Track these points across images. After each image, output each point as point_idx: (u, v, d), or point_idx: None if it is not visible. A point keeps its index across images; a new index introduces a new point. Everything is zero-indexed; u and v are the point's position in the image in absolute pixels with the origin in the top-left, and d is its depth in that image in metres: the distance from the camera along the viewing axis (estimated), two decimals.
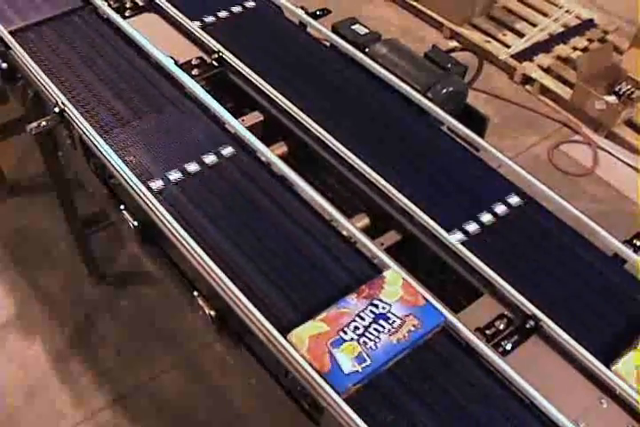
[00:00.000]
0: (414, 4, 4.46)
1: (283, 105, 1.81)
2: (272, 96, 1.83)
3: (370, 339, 1.35)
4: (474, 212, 1.64)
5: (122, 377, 2.73)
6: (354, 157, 1.69)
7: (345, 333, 1.35)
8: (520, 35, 4.24)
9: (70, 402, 2.66)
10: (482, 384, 1.36)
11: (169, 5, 2.15)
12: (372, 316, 1.38)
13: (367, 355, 1.33)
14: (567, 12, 4.39)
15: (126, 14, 2.19)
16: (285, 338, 1.34)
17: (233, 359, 1.64)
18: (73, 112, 1.80)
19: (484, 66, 3.91)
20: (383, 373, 1.34)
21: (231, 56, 1.95)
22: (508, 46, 4.14)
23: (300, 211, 1.62)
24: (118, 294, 2.99)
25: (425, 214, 1.59)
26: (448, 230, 1.57)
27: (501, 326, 1.45)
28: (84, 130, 1.75)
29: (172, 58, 1.94)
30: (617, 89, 3.67)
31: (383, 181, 1.65)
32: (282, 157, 1.71)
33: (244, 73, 1.90)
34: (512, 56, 4.05)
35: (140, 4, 2.23)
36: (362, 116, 1.84)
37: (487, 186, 1.71)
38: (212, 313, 1.48)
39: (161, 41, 2.03)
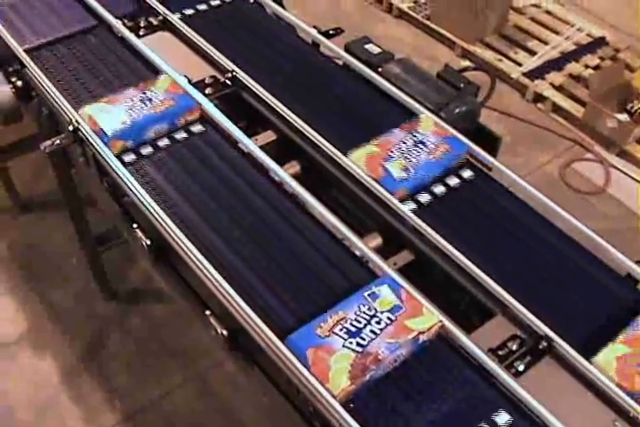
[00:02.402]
0: (426, 22, 4.47)
1: (296, 124, 1.81)
2: (285, 115, 1.84)
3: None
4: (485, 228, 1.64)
5: (132, 394, 2.73)
6: (365, 175, 1.69)
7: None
8: (532, 53, 4.25)
9: (81, 418, 2.66)
10: (494, 405, 1.35)
11: (183, 24, 2.16)
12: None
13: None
14: (579, 30, 4.40)
15: (140, 33, 2.21)
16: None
17: (244, 378, 1.63)
18: (86, 131, 1.81)
19: (496, 84, 3.92)
20: (394, 393, 1.34)
21: (244, 75, 1.95)
22: (520, 64, 4.14)
23: (312, 230, 1.62)
24: (130, 311, 3.00)
25: (436, 233, 1.59)
26: (458, 248, 1.57)
27: (514, 347, 1.45)
28: (98, 148, 1.76)
29: (185, 76, 1.95)
30: (629, 107, 3.67)
31: (394, 200, 1.64)
32: (295, 176, 1.71)
33: (257, 92, 1.91)
34: (524, 74, 4.05)
35: (155, 22, 2.24)
36: (374, 136, 1.84)
37: (499, 207, 1.71)
38: (225, 332, 1.48)
39: (175, 59, 2.04)
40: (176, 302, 1.80)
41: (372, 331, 1.36)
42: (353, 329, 1.36)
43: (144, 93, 1.86)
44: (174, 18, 2.19)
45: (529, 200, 1.72)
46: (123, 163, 1.73)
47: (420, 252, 1.61)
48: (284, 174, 1.68)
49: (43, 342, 2.94)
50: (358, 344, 1.34)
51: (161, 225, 1.56)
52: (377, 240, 1.66)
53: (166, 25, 2.22)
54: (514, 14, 4.50)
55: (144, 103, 1.83)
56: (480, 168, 1.80)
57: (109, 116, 1.80)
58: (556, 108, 3.93)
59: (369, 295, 1.43)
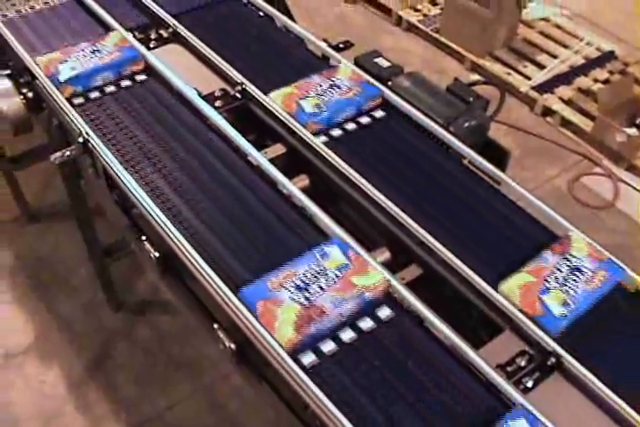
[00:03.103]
0: (435, 35, 4.49)
1: (304, 138, 1.82)
2: (294, 128, 1.84)
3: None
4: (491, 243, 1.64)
5: (138, 405, 2.73)
6: (374, 190, 1.69)
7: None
8: (541, 67, 4.26)
9: None
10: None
11: (193, 37, 2.17)
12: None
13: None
14: (588, 44, 4.41)
15: (150, 45, 2.21)
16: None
17: (251, 390, 1.63)
18: (96, 142, 1.81)
19: (505, 98, 3.92)
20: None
21: (254, 88, 1.96)
22: (529, 78, 4.15)
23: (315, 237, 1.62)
24: (137, 322, 3.00)
25: (446, 249, 1.58)
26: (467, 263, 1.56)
27: (522, 363, 1.44)
28: (108, 161, 1.76)
29: (195, 89, 1.96)
30: (638, 121, 3.68)
31: (403, 215, 1.64)
32: (304, 189, 1.72)
33: (266, 105, 1.91)
34: (533, 88, 4.07)
35: (165, 35, 2.25)
36: (383, 150, 1.84)
37: (510, 222, 1.70)
38: (233, 346, 1.47)
39: (185, 72, 2.05)
40: (183, 314, 1.80)
41: (319, 286, 1.46)
42: (301, 284, 1.46)
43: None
44: (184, 30, 2.20)
45: (537, 214, 1.72)
46: (137, 179, 1.74)
47: (429, 266, 1.61)
48: (293, 188, 1.68)
49: (50, 353, 2.95)
50: (305, 298, 1.43)
51: (170, 238, 1.57)
52: (385, 255, 1.66)
53: (177, 37, 2.22)
54: (523, 28, 4.52)
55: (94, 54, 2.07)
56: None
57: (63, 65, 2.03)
58: (565, 122, 3.94)
59: (320, 255, 1.51)
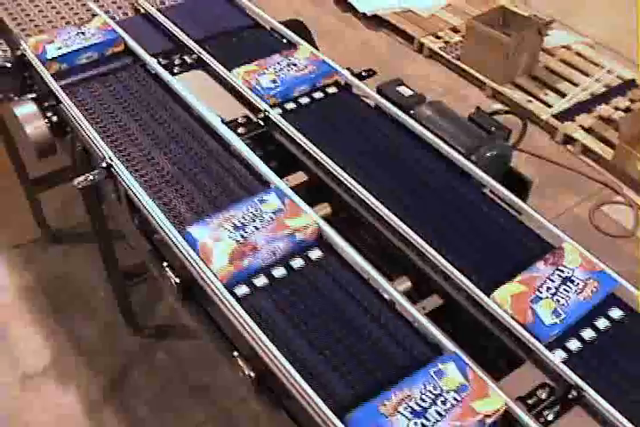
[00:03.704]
0: (457, 62, 4.50)
1: (327, 166, 1.82)
2: (317, 157, 1.84)
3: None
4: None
5: None
6: (396, 219, 1.69)
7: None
8: (562, 94, 4.26)
9: None
10: None
11: (216, 63, 2.18)
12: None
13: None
14: (609, 72, 4.41)
15: (175, 71, 2.22)
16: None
17: (268, 417, 1.62)
18: (120, 168, 1.83)
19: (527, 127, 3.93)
20: None
21: (277, 115, 1.97)
22: (550, 106, 4.15)
23: (340, 272, 1.62)
24: (154, 346, 3.00)
25: (466, 278, 1.58)
26: (489, 295, 1.56)
27: (543, 396, 1.42)
28: (130, 186, 1.77)
29: (218, 116, 1.97)
30: None
31: (425, 244, 1.64)
32: (325, 218, 1.72)
33: (288, 132, 1.92)
34: (554, 116, 4.06)
35: (189, 61, 2.26)
36: (405, 179, 1.84)
37: (529, 249, 1.70)
38: (252, 374, 1.47)
39: (208, 98, 2.06)
40: (202, 339, 1.80)
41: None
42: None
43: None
44: (208, 56, 2.21)
45: (556, 244, 1.71)
46: (157, 201, 1.75)
47: (449, 296, 1.61)
48: (315, 216, 1.68)
49: (67, 375, 2.95)
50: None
51: (190, 264, 1.57)
52: (406, 284, 1.66)
53: (200, 63, 2.24)
54: (544, 55, 4.52)
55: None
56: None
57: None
58: (586, 151, 3.93)
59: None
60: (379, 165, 1.89)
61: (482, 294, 1.56)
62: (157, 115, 2.06)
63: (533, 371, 1.48)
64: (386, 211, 1.71)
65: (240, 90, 1.97)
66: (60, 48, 2.23)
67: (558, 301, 1.53)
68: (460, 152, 1.88)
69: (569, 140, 4.00)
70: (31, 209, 3.40)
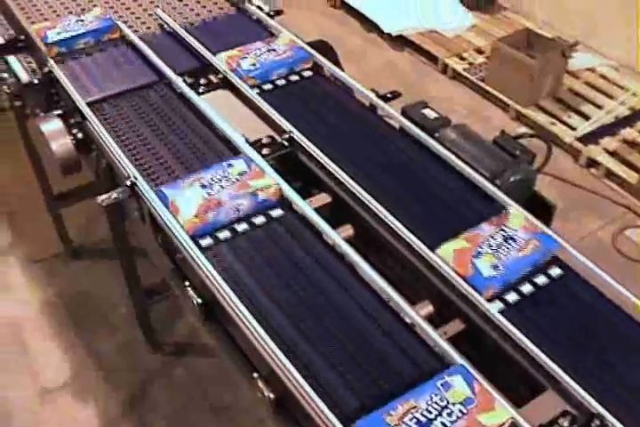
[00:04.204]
0: (481, 84, 4.50)
1: (351, 188, 1.82)
2: (341, 179, 1.84)
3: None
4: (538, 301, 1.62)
5: None
6: (419, 243, 1.69)
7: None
8: (586, 117, 4.25)
9: None
10: None
11: (242, 83, 2.19)
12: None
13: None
14: (633, 94, 4.41)
15: (200, 90, 2.23)
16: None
17: None
18: (144, 186, 1.83)
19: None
20: None
21: (301, 136, 1.97)
22: (574, 129, 4.14)
23: (362, 294, 1.61)
24: (174, 364, 3.00)
25: (487, 303, 1.57)
26: (510, 320, 1.55)
27: (565, 424, 1.41)
28: (154, 205, 1.78)
29: (243, 136, 1.97)
30: None
31: (446, 267, 1.63)
32: (348, 240, 1.72)
33: (313, 154, 1.93)
34: (577, 139, 4.05)
35: (215, 80, 2.27)
36: (430, 202, 1.84)
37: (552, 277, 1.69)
38: (272, 396, 1.47)
39: (233, 118, 2.07)
40: (221, 358, 1.80)
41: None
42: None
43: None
44: (234, 76, 2.22)
45: (579, 269, 1.70)
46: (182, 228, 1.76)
47: (471, 321, 1.60)
48: (338, 238, 1.68)
49: (85, 390, 2.96)
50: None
51: (214, 286, 1.57)
52: (428, 308, 1.65)
53: (226, 83, 2.25)
54: (568, 78, 4.52)
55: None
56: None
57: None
58: (610, 174, 3.91)
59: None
60: (402, 188, 1.88)
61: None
62: (182, 134, 2.07)
63: (555, 398, 1.47)
64: (409, 234, 1.71)
65: (328, 167, 1.89)
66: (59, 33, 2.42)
67: (498, 256, 1.63)
68: (484, 176, 1.87)
69: (593, 163, 3.99)
70: (54, 224, 3.42)
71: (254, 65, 2.23)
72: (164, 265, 1.88)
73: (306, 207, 1.76)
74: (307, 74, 2.31)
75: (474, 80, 4.57)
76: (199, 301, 1.65)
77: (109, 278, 3.27)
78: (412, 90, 4.01)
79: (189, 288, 1.68)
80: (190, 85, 2.22)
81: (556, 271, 1.69)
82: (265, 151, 1.95)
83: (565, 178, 3.88)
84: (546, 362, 1.47)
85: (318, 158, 1.91)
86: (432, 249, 1.67)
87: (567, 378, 1.45)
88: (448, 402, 1.36)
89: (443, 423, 1.32)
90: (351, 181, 1.83)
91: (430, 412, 1.34)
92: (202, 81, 2.28)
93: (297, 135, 1.98)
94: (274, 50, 2.30)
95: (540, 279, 1.66)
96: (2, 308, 3.34)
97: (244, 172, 1.70)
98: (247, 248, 1.71)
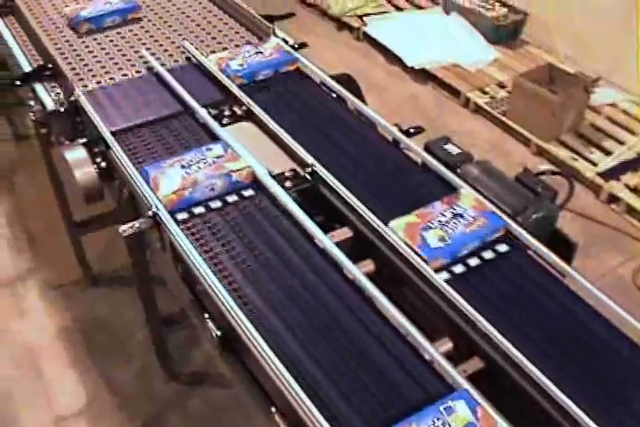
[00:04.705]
0: (502, 118, 4.51)
1: (372, 223, 1.82)
2: (363, 213, 1.85)
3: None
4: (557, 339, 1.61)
5: None
6: (438, 278, 1.68)
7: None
8: (607, 153, 4.24)
9: None
10: None
11: (266, 116, 2.20)
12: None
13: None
14: None
15: (224, 122, 2.25)
16: None
17: None
18: (165, 217, 1.84)
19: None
20: None
21: (324, 170, 1.98)
22: (595, 164, 4.13)
23: (382, 330, 1.61)
24: (189, 393, 2.99)
25: (508, 342, 1.56)
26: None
27: None
28: (175, 236, 1.79)
29: (266, 168, 1.98)
30: None
31: (467, 305, 1.63)
32: (368, 275, 1.71)
33: (335, 188, 1.93)
34: (599, 174, 4.04)
35: (238, 112, 2.29)
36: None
37: (572, 314, 1.68)
38: None
39: (256, 150, 2.08)
40: (237, 390, 1.79)
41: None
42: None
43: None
44: (258, 109, 2.24)
45: (602, 309, 1.69)
46: (200, 251, 1.76)
47: (491, 360, 1.59)
48: (358, 273, 1.68)
49: (101, 418, 2.96)
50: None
51: (234, 319, 1.57)
52: (447, 345, 1.64)
53: (250, 115, 2.27)
54: (590, 113, 4.52)
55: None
56: None
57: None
58: (631, 210, 3.90)
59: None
60: None
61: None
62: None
63: None
64: (427, 269, 1.70)
65: (350, 202, 1.91)
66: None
67: (446, 230, 1.77)
68: (505, 213, 1.87)
69: (614, 199, 3.97)
70: (74, 250, 3.44)
71: (242, 65, 2.41)
72: (184, 295, 1.89)
73: (327, 242, 1.76)
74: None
75: (495, 114, 4.57)
76: (218, 333, 1.65)
77: (127, 305, 3.27)
78: (433, 123, 4.03)
79: (209, 320, 1.68)
80: (214, 117, 2.23)
81: (503, 247, 1.81)
82: (287, 184, 1.96)
83: (586, 214, 3.87)
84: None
85: (340, 192, 1.91)
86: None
87: (587, 420, 1.43)
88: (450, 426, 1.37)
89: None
90: (372, 216, 1.83)
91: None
92: (226, 113, 2.29)
93: (319, 169, 1.98)
94: (261, 52, 2.48)
95: (488, 254, 1.79)
96: (19, 332, 3.35)
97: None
98: (220, 223, 1.87)
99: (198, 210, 1.90)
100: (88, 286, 3.52)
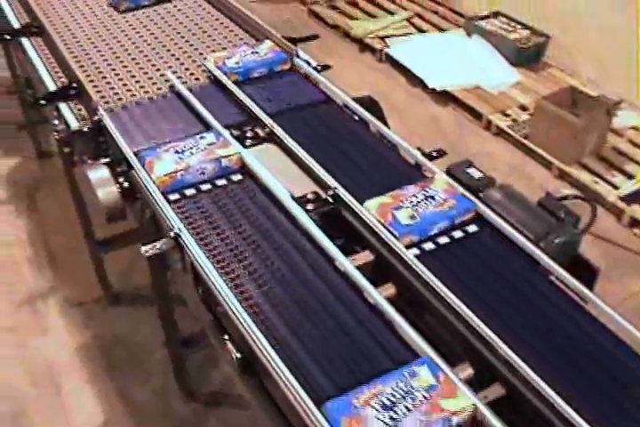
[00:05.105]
0: (524, 141, 4.50)
1: (394, 248, 1.82)
2: (384, 237, 1.85)
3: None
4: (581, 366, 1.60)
5: None
6: (461, 304, 1.67)
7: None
8: (629, 176, 4.22)
9: None
10: None
11: (289, 138, 2.21)
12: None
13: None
14: None
15: (246, 143, 2.26)
16: None
17: None
18: (187, 238, 1.85)
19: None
20: None
21: (346, 193, 1.98)
22: (617, 188, 4.11)
23: (403, 355, 1.60)
24: (207, 413, 2.99)
25: (530, 369, 1.55)
26: (552, 387, 1.53)
27: None
28: (197, 258, 1.79)
29: (288, 191, 1.99)
30: None
31: (488, 331, 1.62)
32: (389, 299, 1.71)
33: (357, 211, 1.93)
34: (621, 198, 4.02)
35: (261, 134, 2.30)
36: (471, 262, 1.83)
37: (596, 343, 1.67)
38: None
39: (279, 172, 2.09)
40: (255, 410, 1.79)
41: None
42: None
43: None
44: (280, 131, 2.25)
45: (620, 332, 1.68)
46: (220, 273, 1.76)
47: (512, 386, 1.58)
48: (379, 296, 1.68)
49: None
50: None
51: (254, 342, 1.57)
52: (468, 371, 1.64)
53: (272, 137, 2.27)
54: (613, 136, 4.51)
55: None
56: None
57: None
58: None
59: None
60: (448, 251, 1.88)
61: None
62: (227, 186, 2.09)
63: None
64: (450, 294, 1.70)
65: (372, 225, 1.91)
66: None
67: (417, 210, 1.89)
68: (528, 238, 1.87)
69: (636, 223, 3.95)
70: (95, 269, 3.45)
71: (237, 64, 2.59)
72: (203, 316, 1.89)
73: (348, 265, 1.76)
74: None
75: (517, 137, 4.56)
76: (238, 355, 1.65)
77: (147, 324, 3.28)
78: (454, 146, 4.02)
79: (229, 342, 1.68)
80: (236, 138, 2.24)
81: (472, 228, 1.94)
82: (309, 207, 1.96)
83: (608, 237, 3.85)
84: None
85: (362, 216, 1.91)
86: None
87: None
88: (412, 388, 1.47)
89: (406, 407, 1.44)
90: (394, 240, 1.83)
91: (395, 396, 1.46)
92: (248, 134, 2.30)
93: (342, 192, 1.98)
94: (257, 52, 2.65)
95: (457, 233, 1.91)
96: (39, 349, 3.36)
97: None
98: (243, 245, 1.89)
99: (216, 232, 1.90)
100: (108, 304, 3.53)
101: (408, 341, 1.62)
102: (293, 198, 1.96)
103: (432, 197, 1.94)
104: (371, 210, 1.90)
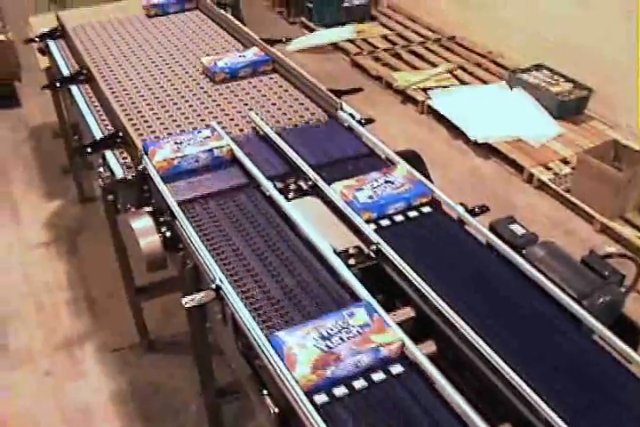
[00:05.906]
0: (566, 195, 4.47)
1: (436, 304, 1.80)
2: (426, 294, 1.83)
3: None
4: None
5: None
6: (502, 362, 1.65)
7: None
8: None
9: None
10: None
11: (332, 192, 2.21)
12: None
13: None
14: None
15: (289, 196, 2.27)
16: None
17: None
18: (229, 291, 1.84)
19: None
20: None
21: (389, 249, 1.97)
22: None
23: (442, 413, 1.58)
24: None
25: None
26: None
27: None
28: (238, 310, 1.79)
29: (330, 245, 1.98)
30: None
31: (530, 391, 1.59)
32: (430, 356, 1.69)
33: (400, 268, 1.92)
34: None
35: (304, 187, 2.31)
36: (515, 321, 1.81)
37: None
38: None
39: (321, 226, 2.09)
40: None
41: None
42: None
43: None
44: (324, 184, 2.25)
45: None
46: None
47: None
48: (419, 354, 1.66)
49: None
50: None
51: (293, 399, 1.55)
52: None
53: (315, 190, 2.28)
54: None
55: None
56: None
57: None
58: None
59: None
60: (486, 304, 1.86)
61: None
62: (270, 239, 2.10)
63: None
64: (492, 354, 1.67)
65: (413, 280, 1.90)
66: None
67: (375, 191, 2.17)
68: (571, 296, 1.84)
69: None
70: (133, 315, 3.46)
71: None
72: (242, 368, 1.88)
73: (390, 322, 1.74)
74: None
75: (559, 191, 4.53)
76: (276, 410, 1.64)
77: (183, 373, 3.27)
78: (496, 199, 4.01)
79: (267, 397, 1.67)
80: (280, 190, 2.24)
81: (426, 209, 2.20)
82: (351, 262, 1.96)
83: None
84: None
85: (404, 272, 1.90)
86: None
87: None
88: (349, 324, 1.71)
89: (341, 338, 1.67)
90: (436, 297, 1.81)
91: (332, 330, 1.69)
92: (291, 186, 2.31)
93: (384, 247, 1.98)
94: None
95: (412, 213, 2.17)
96: (74, 394, 3.36)
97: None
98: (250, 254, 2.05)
99: (257, 285, 1.91)
100: (145, 351, 3.53)
101: (448, 400, 1.60)
102: (335, 252, 1.96)
103: (391, 182, 2.21)
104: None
